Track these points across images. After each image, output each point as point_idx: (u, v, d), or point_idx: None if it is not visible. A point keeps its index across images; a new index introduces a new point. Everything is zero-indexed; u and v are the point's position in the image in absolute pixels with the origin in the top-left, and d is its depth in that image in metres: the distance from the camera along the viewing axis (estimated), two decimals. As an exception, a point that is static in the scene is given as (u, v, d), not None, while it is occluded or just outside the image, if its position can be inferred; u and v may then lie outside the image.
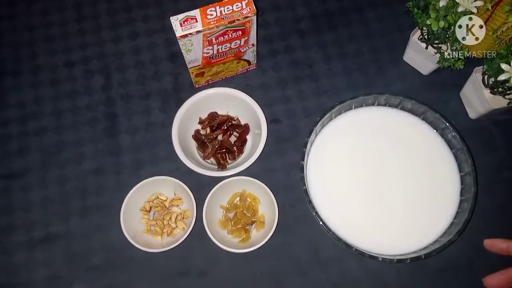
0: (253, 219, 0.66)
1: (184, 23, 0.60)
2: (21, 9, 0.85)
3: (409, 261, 0.58)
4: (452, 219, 0.62)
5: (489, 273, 0.55)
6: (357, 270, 0.65)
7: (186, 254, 0.66)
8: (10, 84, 0.78)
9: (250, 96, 0.70)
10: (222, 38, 0.64)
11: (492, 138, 0.72)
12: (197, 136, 0.71)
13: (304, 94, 0.76)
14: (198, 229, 0.64)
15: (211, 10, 0.61)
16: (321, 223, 0.60)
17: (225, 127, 0.71)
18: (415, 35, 0.72)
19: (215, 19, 0.61)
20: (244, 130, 0.71)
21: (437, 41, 0.68)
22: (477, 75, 0.69)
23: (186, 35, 0.60)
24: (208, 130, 0.72)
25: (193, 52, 0.65)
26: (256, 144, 0.68)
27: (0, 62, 0.80)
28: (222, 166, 0.69)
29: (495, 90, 0.66)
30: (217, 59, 0.69)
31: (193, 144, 0.72)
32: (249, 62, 0.75)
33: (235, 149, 0.70)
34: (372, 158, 0.67)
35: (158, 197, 0.68)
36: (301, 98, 0.76)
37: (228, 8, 0.61)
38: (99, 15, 0.84)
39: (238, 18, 0.61)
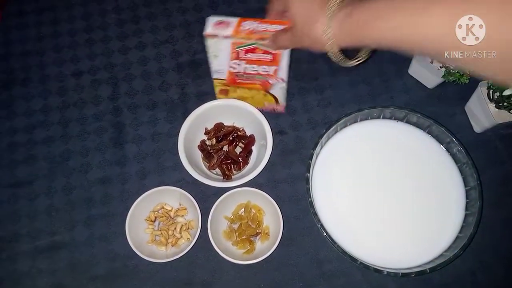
0: (257, 231, 0.66)
1: (217, 25, 0.59)
2: (30, 19, 0.86)
3: (414, 275, 0.58)
4: (457, 233, 0.62)
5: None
6: (361, 283, 0.64)
7: (190, 265, 0.66)
8: (18, 93, 0.79)
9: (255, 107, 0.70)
10: (250, 55, 0.61)
11: (497, 152, 0.72)
12: (203, 146, 0.72)
13: (309, 106, 0.77)
14: (203, 240, 0.64)
15: (247, 23, 0.59)
16: (326, 235, 0.60)
17: (231, 138, 0.72)
18: (420, 49, 0.72)
19: (246, 31, 0.58)
20: (249, 141, 0.72)
21: (442, 55, 0.68)
22: (482, 89, 0.69)
23: (213, 35, 0.59)
24: (214, 140, 0.72)
25: (220, 60, 0.63)
26: (261, 155, 0.68)
27: (9, 71, 0.81)
28: (227, 177, 0.69)
29: (500, 104, 0.66)
30: (243, 80, 0.67)
31: (198, 155, 0.72)
32: (276, 100, 0.71)
33: (241, 160, 0.70)
34: (377, 171, 0.67)
35: (163, 207, 0.68)
36: (306, 110, 0.76)
37: (264, 26, 0.58)
38: (107, 25, 0.85)
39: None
